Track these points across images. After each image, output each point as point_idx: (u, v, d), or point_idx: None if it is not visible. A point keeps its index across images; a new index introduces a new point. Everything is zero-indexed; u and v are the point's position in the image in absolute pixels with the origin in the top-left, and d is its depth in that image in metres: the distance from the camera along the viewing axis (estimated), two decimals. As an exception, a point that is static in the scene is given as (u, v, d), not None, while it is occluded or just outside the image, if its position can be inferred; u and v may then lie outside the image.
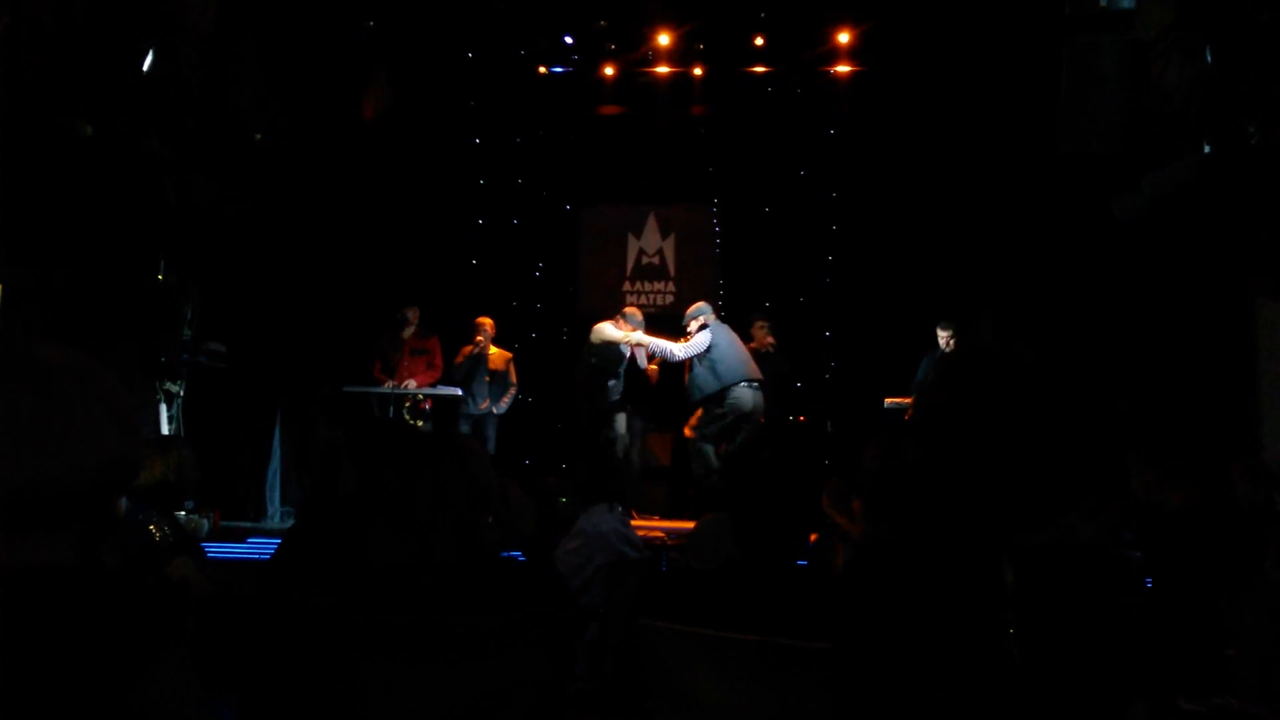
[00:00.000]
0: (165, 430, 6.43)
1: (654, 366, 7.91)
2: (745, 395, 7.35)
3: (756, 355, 8.37)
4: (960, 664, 1.72)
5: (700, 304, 7.77)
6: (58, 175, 5.81)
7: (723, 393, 7.34)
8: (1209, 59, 6.08)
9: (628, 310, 7.80)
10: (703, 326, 7.53)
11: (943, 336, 7.85)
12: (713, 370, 7.36)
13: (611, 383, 7.67)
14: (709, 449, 7.45)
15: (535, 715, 2.18)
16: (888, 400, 7.89)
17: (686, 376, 7.57)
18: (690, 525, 5.80)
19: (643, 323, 7.75)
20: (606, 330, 7.61)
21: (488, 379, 8.18)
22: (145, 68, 6.26)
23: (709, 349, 7.39)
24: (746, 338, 8.52)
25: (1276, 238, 5.64)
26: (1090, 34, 6.78)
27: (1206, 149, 6.10)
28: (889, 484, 2.28)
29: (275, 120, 7.50)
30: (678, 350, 7.44)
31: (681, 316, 7.96)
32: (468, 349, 8.11)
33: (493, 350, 8.21)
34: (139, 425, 1.38)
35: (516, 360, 8.58)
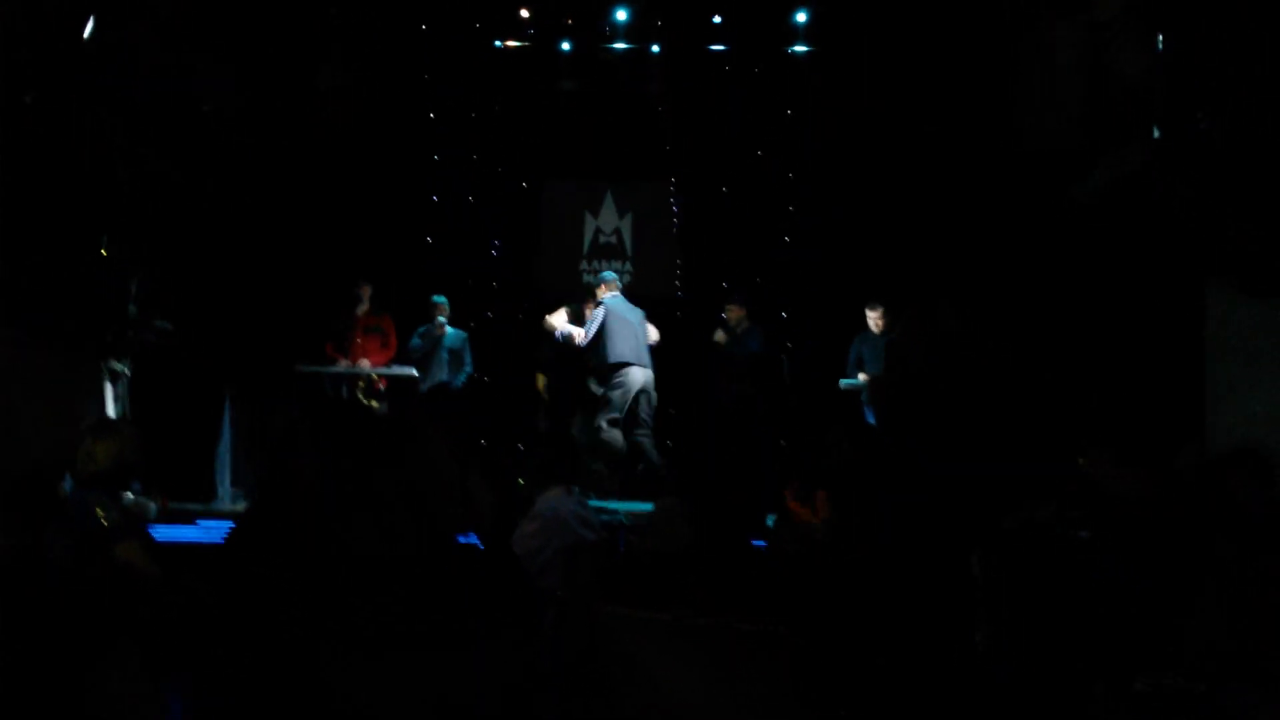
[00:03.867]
0: (111, 410, 6.27)
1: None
2: (635, 375, 7.48)
3: (732, 335, 8.40)
4: (926, 648, 1.73)
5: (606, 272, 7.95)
6: (-3, 145, 5.63)
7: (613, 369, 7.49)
8: (1160, 45, 6.14)
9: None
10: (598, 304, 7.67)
11: (871, 317, 7.89)
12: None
13: None
14: (617, 434, 7.50)
15: (495, 700, 2.16)
16: (842, 381, 7.93)
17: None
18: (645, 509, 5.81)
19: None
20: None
21: (445, 359, 8.16)
22: (85, 35, 6.08)
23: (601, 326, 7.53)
24: (719, 320, 8.52)
25: (1225, 224, 5.73)
26: (1046, 18, 6.83)
27: (1159, 133, 6.18)
28: (854, 472, 2.29)
29: (225, 93, 7.32)
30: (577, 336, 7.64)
31: (639, 295, 7.96)
32: (437, 329, 8.12)
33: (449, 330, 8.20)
34: (75, 410, 1.34)
35: (472, 339, 8.54)
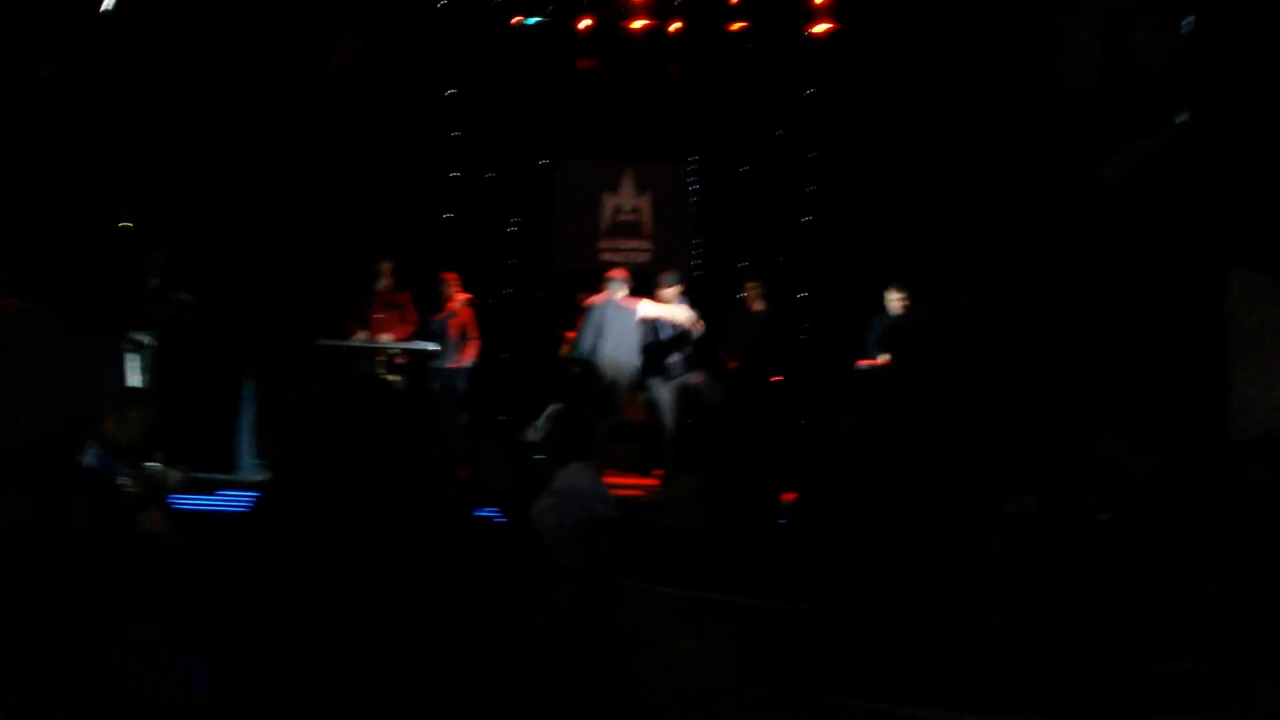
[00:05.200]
0: (134, 382, 6.33)
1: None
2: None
3: (750, 317, 8.38)
4: (944, 628, 1.74)
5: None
6: (16, 117, 5.66)
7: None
8: (1184, 27, 6.07)
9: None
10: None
11: (894, 298, 7.83)
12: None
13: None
14: None
15: (508, 675, 2.18)
16: (860, 363, 7.91)
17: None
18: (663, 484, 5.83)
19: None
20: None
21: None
22: (105, 6, 6.10)
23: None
24: (738, 300, 8.50)
25: (1248, 207, 5.68)
26: (1067, 2, 6.76)
27: (1183, 116, 6.12)
28: (873, 451, 2.29)
29: (243, 68, 7.34)
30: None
31: (657, 274, 7.94)
32: (450, 306, 8.18)
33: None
34: (99, 379, 1.35)
35: (492, 315, 8.61)
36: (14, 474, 1.25)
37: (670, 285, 7.67)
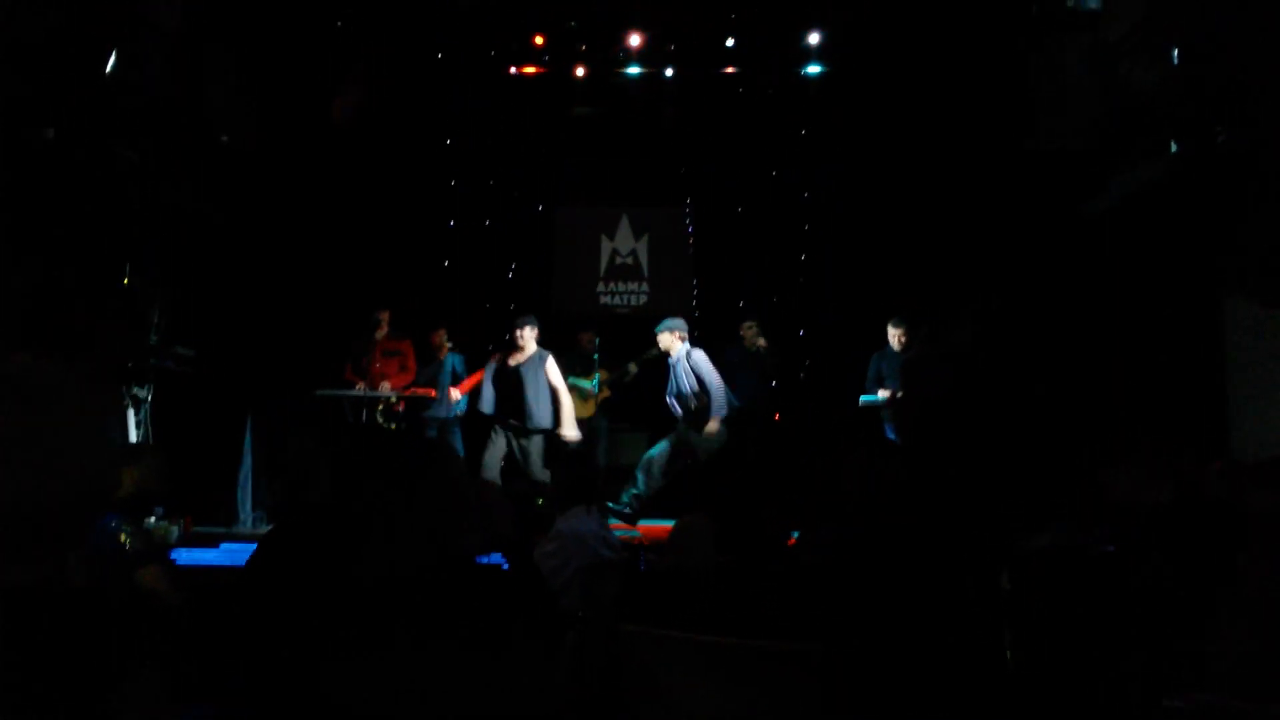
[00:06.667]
0: (134, 436, 6.33)
1: None
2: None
3: (748, 355, 8.39)
4: (956, 666, 1.72)
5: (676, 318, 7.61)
6: (20, 179, 5.71)
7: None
8: (1175, 59, 6.13)
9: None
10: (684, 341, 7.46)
11: (893, 334, 7.84)
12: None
13: None
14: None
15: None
16: (863, 398, 7.91)
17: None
18: (666, 526, 5.81)
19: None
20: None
21: (448, 382, 8.29)
22: (108, 70, 6.17)
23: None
24: (735, 338, 8.51)
25: (1244, 237, 5.70)
26: (1057, 34, 6.84)
27: (1174, 148, 6.17)
28: (878, 487, 2.28)
29: (245, 122, 7.41)
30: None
31: (655, 318, 7.91)
32: (440, 358, 8.31)
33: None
34: (113, 441, 1.35)
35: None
36: (35, 538, 1.24)
37: (663, 332, 7.50)
